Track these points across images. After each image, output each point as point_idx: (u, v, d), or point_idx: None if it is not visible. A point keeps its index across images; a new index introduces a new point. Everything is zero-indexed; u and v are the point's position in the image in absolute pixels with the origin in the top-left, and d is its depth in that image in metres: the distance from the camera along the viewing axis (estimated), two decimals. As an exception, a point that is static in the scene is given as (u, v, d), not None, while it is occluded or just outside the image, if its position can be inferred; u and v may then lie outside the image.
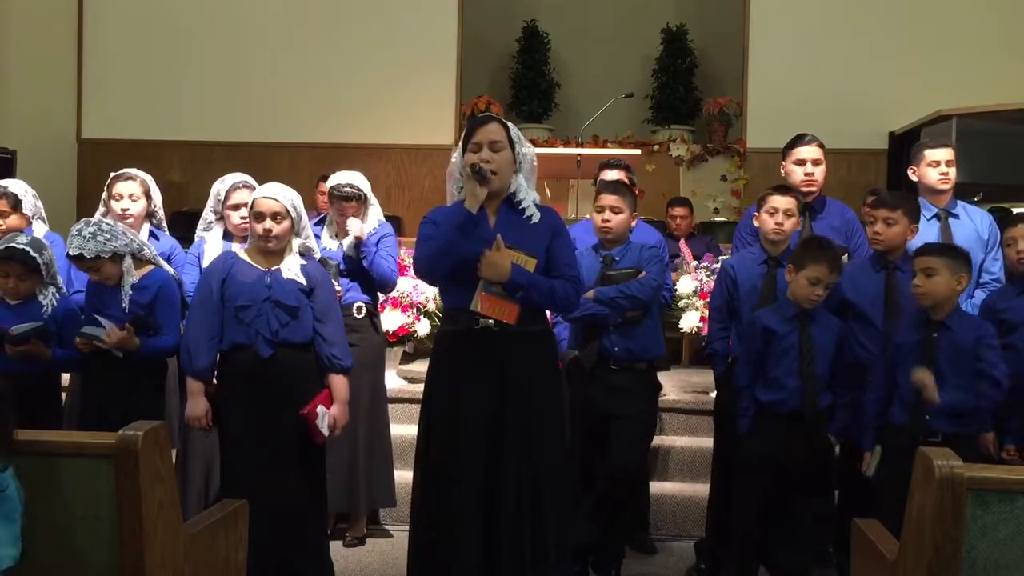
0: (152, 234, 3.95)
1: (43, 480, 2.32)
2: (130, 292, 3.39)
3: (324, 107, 8.31)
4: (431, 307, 5.07)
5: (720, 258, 4.93)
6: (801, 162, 3.95)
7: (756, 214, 3.74)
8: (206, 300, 3.29)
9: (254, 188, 3.89)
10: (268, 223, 3.28)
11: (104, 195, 3.97)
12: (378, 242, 4.05)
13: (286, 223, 3.31)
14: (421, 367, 4.87)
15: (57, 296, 3.49)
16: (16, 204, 3.96)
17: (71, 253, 3.32)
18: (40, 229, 4.05)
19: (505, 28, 9.24)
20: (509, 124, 3.03)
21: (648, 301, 3.55)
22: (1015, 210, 5.50)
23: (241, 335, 3.24)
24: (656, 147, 8.46)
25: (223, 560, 2.72)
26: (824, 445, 3.41)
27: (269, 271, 3.31)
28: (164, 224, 4.10)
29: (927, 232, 3.75)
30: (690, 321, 5.06)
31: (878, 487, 3.28)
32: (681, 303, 5.16)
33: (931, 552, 2.20)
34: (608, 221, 3.61)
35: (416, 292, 5.04)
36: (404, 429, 4.63)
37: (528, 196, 3.02)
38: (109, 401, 3.32)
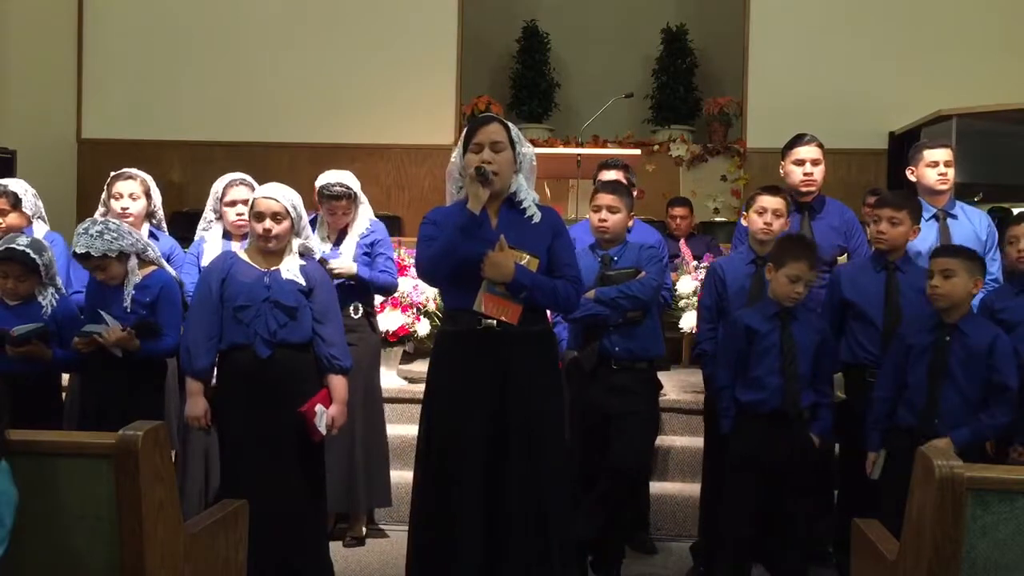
0: (152, 234, 3.96)
1: (43, 480, 2.31)
2: (133, 292, 3.39)
3: (324, 107, 8.30)
4: (431, 307, 5.07)
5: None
6: (800, 162, 3.95)
7: (745, 214, 3.76)
8: (205, 300, 3.29)
9: (251, 185, 3.91)
10: (268, 223, 3.28)
11: (104, 194, 3.98)
12: (371, 245, 4.04)
13: (286, 223, 3.31)
14: (421, 367, 4.87)
15: (56, 297, 3.49)
16: (16, 203, 3.97)
17: (78, 251, 3.32)
18: (40, 229, 4.05)
19: (505, 28, 9.24)
20: (510, 124, 3.03)
21: (648, 301, 3.55)
22: (1015, 210, 5.50)
23: (240, 335, 3.24)
24: (656, 147, 8.46)
25: (223, 560, 2.72)
26: (807, 444, 3.41)
27: (268, 271, 3.31)
28: (164, 224, 4.10)
29: (925, 232, 3.76)
30: (690, 321, 5.07)
31: (880, 487, 3.28)
32: (681, 303, 5.17)
33: (931, 552, 2.20)
34: (605, 221, 3.62)
35: (416, 292, 5.04)
36: (404, 429, 4.63)
37: (529, 196, 3.02)
38: (109, 401, 3.32)
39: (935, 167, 3.95)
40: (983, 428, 3.17)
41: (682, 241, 6.20)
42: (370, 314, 4.13)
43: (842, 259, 3.95)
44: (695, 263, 5.40)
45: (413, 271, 4.34)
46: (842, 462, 3.76)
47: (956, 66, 7.82)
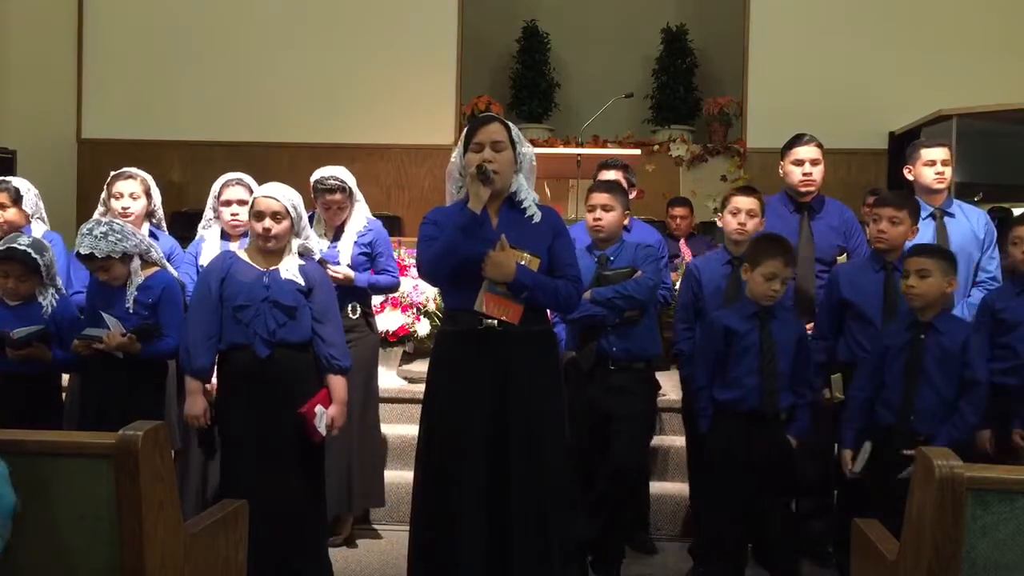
0: (152, 234, 3.96)
1: (43, 480, 2.31)
2: (135, 293, 3.39)
3: (324, 107, 8.30)
4: (431, 307, 5.06)
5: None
6: (799, 162, 3.95)
7: (720, 215, 3.77)
8: (205, 300, 3.29)
9: (248, 185, 3.91)
10: (268, 222, 3.28)
11: (104, 194, 3.98)
12: (370, 244, 4.04)
13: (286, 223, 3.31)
14: (421, 367, 4.87)
15: (57, 297, 3.49)
16: (17, 198, 3.97)
17: (82, 252, 3.32)
18: (39, 229, 4.05)
19: (505, 28, 9.24)
20: (510, 124, 3.03)
21: (645, 301, 3.55)
22: (1016, 210, 5.50)
23: (239, 335, 3.24)
24: (656, 147, 8.46)
25: (223, 560, 2.72)
26: (784, 445, 3.42)
27: (268, 271, 3.31)
28: (164, 224, 4.11)
29: (923, 231, 3.77)
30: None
31: (871, 488, 3.29)
32: (681, 303, 5.16)
33: (931, 552, 2.20)
34: (599, 220, 3.62)
35: (416, 292, 5.04)
36: (404, 429, 4.63)
37: (529, 196, 3.02)
38: (109, 401, 3.32)
39: (932, 166, 3.95)
40: (961, 425, 3.21)
41: (682, 241, 6.20)
42: (368, 314, 4.13)
43: (841, 259, 3.95)
44: (695, 263, 5.40)
45: (413, 271, 4.34)
46: (839, 462, 3.76)
47: (956, 66, 7.82)
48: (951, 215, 3.96)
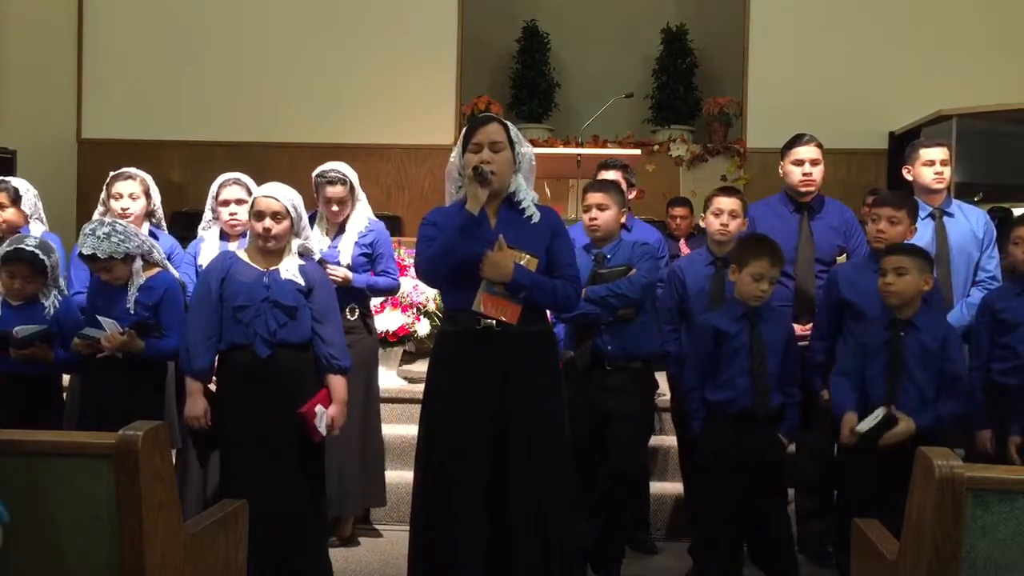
0: (152, 233, 3.95)
1: (43, 480, 2.31)
2: (136, 293, 3.39)
3: (324, 107, 8.30)
4: (431, 307, 5.06)
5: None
6: (799, 162, 3.95)
7: (703, 216, 3.78)
8: (205, 300, 3.29)
9: (246, 185, 3.92)
10: (268, 222, 3.28)
11: (103, 194, 3.98)
12: (371, 245, 4.04)
13: (286, 223, 3.31)
14: (421, 367, 4.87)
15: (59, 298, 3.49)
16: (16, 199, 3.97)
17: (84, 252, 3.32)
18: (37, 229, 4.05)
19: (505, 28, 9.23)
20: (509, 124, 3.03)
21: (638, 299, 3.54)
22: (1016, 210, 5.50)
23: (239, 335, 3.24)
24: (656, 147, 8.45)
25: (223, 560, 2.72)
26: (776, 444, 3.43)
27: (267, 271, 3.31)
28: (163, 223, 4.11)
29: (922, 231, 3.77)
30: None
31: (871, 488, 3.29)
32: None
33: (931, 552, 2.20)
34: (595, 219, 3.63)
35: (416, 292, 5.04)
36: (404, 429, 4.63)
37: (528, 196, 3.02)
38: (108, 401, 3.32)
39: (931, 166, 3.95)
40: (939, 416, 3.24)
41: (682, 241, 6.20)
42: (366, 316, 4.13)
43: (841, 259, 3.95)
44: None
45: (413, 271, 4.34)
46: (840, 462, 3.76)
47: (956, 66, 7.81)
48: (950, 215, 3.96)
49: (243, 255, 3.37)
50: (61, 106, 8.40)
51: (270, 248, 3.32)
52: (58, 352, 3.40)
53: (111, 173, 3.99)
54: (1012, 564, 2.20)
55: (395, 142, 8.35)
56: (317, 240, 3.92)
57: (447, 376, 2.98)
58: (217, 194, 3.95)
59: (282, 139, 8.28)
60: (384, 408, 4.33)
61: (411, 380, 5.12)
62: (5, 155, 7.00)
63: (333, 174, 3.96)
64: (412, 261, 4.26)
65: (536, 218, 3.01)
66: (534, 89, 9.07)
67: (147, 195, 3.97)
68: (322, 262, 3.60)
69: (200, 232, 4.04)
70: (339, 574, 3.59)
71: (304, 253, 3.40)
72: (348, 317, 3.96)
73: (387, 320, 4.87)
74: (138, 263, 3.41)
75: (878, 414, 3.21)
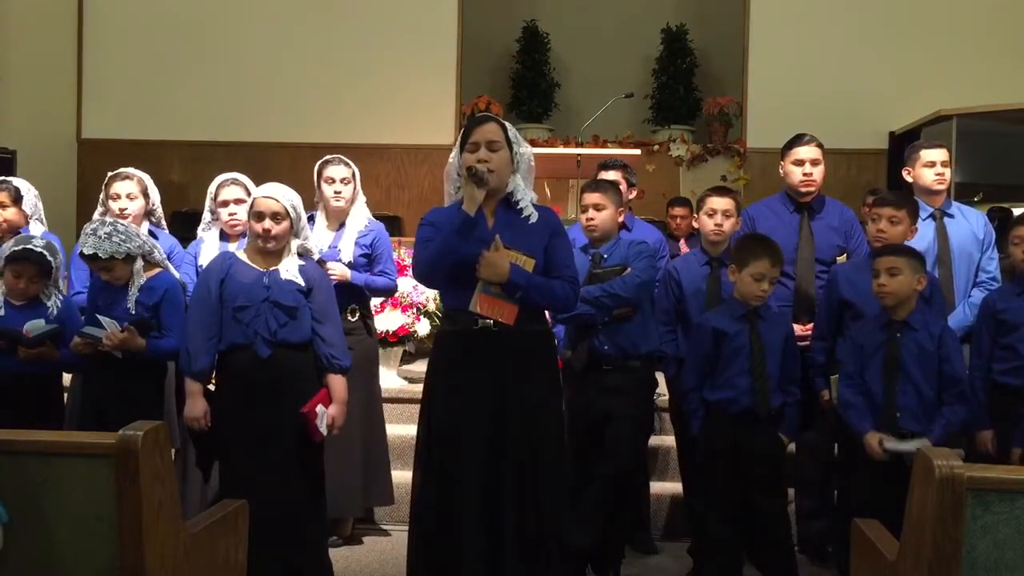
0: (151, 233, 3.95)
1: (43, 480, 2.31)
2: (137, 293, 3.39)
3: (324, 107, 8.31)
4: (431, 307, 5.07)
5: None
6: (800, 162, 3.95)
7: (696, 216, 3.78)
8: (205, 301, 3.29)
9: (244, 185, 3.92)
10: (267, 223, 3.28)
11: (102, 195, 3.98)
12: (371, 245, 4.04)
13: (285, 223, 3.31)
14: (421, 367, 4.87)
15: (61, 299, 3.50)
16: (17, 198, 3.98)
17: (86, 252, 3.32)
18: (37, 229, 4.06)
19: (505, 28, 9.24)
20: (507, 124, 3.03)
21: (632, 298, 3.53)
22: (1016, 210, 5.50)
23: (239, 335, 3.24)
24: (656, 147, 8.46)
25: (223, 560, 2.72)
26: (776, 444, 3.43)
27: (267, 272, 3.31)
28: (163, 223, 4.10)
29: (923, 232, 3.76)
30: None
31: (870, 488, 3.28)
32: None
33: (931, 552, 2.20)
34: (592, 219, 3.63)
35: (416, 292, 5.04)
36: (404, 429, 4.63)
37: (526, 196, 3.02)
38: (108, 401, 3.33)
39: (932, 167, 3.95)
40: (953, 419, 3.22)
41: (682, 241, 6.20)
42: (366, 317, 4.13)
43: (841, 259, 3.95)
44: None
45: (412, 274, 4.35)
46: (840, 462, 3.76)
47: (956, 66, 7.82)
48: (951, 216, 3.96)
49: (243, 256, 3.37)
50: (61, 106, 8.40)
51: (270, 248, 3.32)
52: (62, 351, 3.40)
53: (109, 174, 3.99)
54: (1012, 564, 2.20)
55: (395, 142, 8.36)
56: (315, 243, 3.93)
57: (446, 376, 2.98)
58: (216, 195, 3.95)
59: (282, 139, 8.29)
60: (384, 408, 4.33)
61: (411, 380, 5.13)
62: (5, 155, 7.00)
63: (337, 159, 4.03)
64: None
65: (534, 218, 3.00)
66: (534, 89, 9.08)
67: (145, 195, 3.97)
68: (321, 262, 3.60)
69: (200, 233, 4.04)
70: (339, 574, 3.59)
71: (304, 253, 3.40)
72: (349, 318, 3.96)
73: (387, 320, 4.87)
74: (139, 263, 3.41)
75: (916, 444, 3.01)
